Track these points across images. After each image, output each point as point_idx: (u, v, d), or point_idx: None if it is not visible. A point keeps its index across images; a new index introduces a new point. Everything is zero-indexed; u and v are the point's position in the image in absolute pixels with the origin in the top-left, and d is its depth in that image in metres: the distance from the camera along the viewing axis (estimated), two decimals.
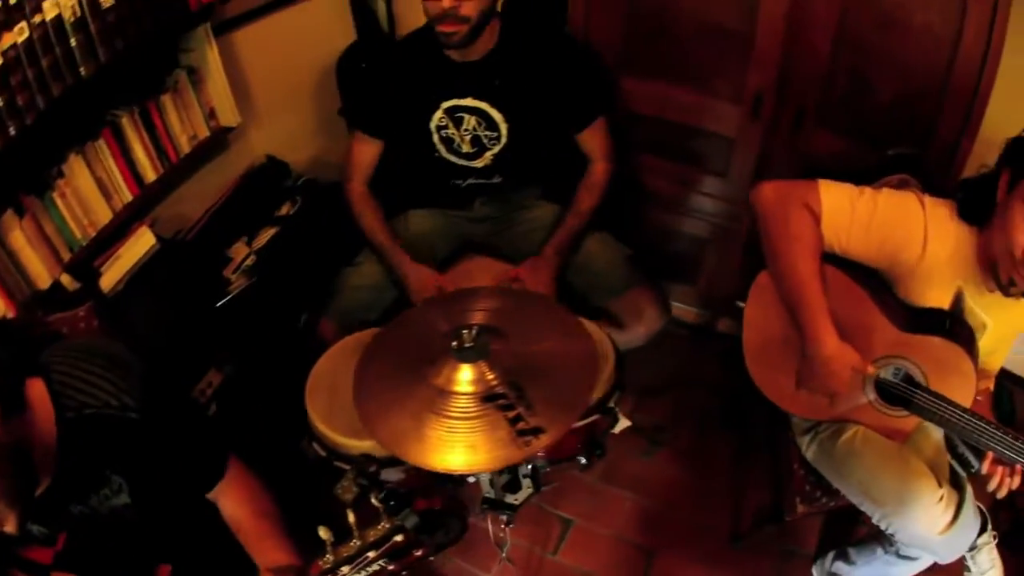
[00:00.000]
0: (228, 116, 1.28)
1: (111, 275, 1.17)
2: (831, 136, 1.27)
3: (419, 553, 0.65)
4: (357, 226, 1.20)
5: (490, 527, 1.06)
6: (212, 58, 1.24)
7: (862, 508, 1.08)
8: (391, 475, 0.86)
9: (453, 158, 1.18)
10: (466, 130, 1.14)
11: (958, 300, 0.97)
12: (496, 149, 1.16)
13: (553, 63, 1.13)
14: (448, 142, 1.17)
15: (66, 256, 1.14)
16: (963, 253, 0.93)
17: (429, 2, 0.99)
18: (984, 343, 1.00)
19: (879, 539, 1.20)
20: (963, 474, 1.50)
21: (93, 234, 1.18)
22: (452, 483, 1.07)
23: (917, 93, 1.28)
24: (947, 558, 1.08)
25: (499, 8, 1.11)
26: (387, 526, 0.62)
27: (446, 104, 1.12)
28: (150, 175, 1.24)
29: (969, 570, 1.33)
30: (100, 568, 0.76)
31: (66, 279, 1.14)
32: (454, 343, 0.64)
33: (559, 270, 1.17)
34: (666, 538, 1.35)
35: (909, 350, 0.97)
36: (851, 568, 1.31)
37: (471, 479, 1.01)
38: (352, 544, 0.62)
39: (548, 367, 0.64)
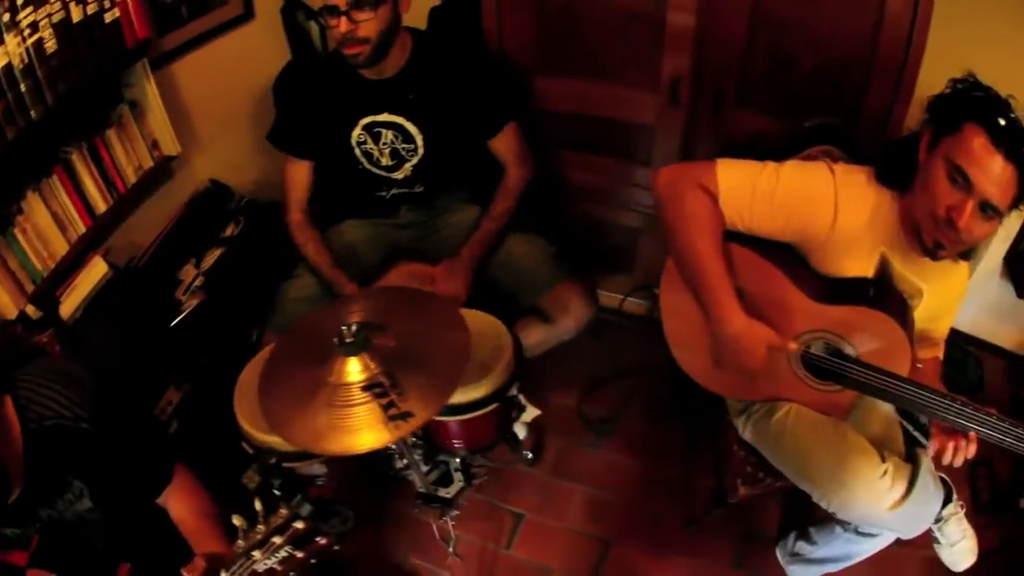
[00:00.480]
0: (169, 145, 1.47)
1: (69, 303, 1.37)
2: (755, 115, 1.39)
3: (323, 542, 0.79)
4: (298, 253, 1.37)
5: (433, 523, 1.21)
6: (151, 91, 1.43)
7: (802, 488, 1.14)
8: (315, 469, 1.02)
9: (375, 170, 1.36)
10: (384, 144, 1.31)
11: (883, 267, 1.02)
12: (414, 160, 1.34)
13: (461, 74, 1.29)
14: (368, 156, 1.34)
15: (29, 288, 1.34)
16: (883, 219, 0.98)
17: (331, 28, 1.14)
18: (922, 310, 1.06)
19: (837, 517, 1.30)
20: (925, 444, 1.57)
21: (52, 265, 1.37)
22: (383, 478, 1.22)
23: (843, 63, 1.38)
24: (908, 533, 1.11)
25: (422, 24, 1.28)
26: (285, 513, 0.76)
27: (364, 121, 1.30)
28: (101, 206, 1.43)
29: (939, 542, 1.41)
30: (70, 567, 0.93)
31: (30, 309, 1.33)
32: (336, 339, 0.79)
33: (475, 271, 1.32)
34: (620, 527, 1.49)
35: (833, 323, 1.02)
36: (813, 548, 1.39)
37: (411, 477, 1.15)
38: (259, 530, 0.77)
39: (422, 357, 0.79)
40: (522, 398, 1.04)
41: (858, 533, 1.24)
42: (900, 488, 1.04)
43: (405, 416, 0.73)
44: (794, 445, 1.13)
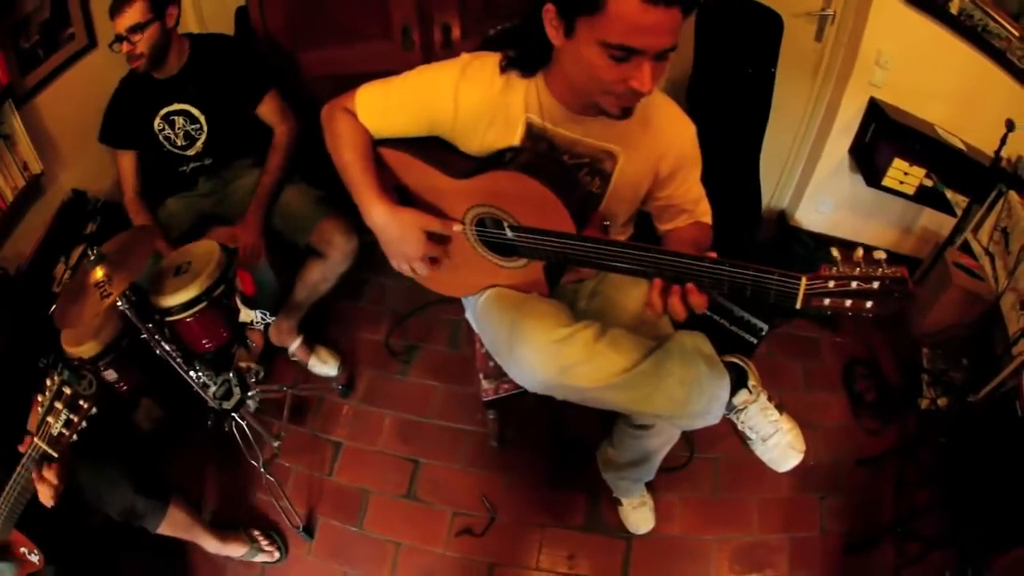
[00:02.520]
0: (34, 165, 2.47)
1: None
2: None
3: (86, 405, 1.59)
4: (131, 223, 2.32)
5: (248, 456, 2.00)
6: (17, 125, 2.44)
7: (505, 369, 1.54)
8: (110, 376, 1.87)
9: (175, 151, 2.27)
10: (179, 128, 2.22)
11: (537, 134, 1.41)
12: (202, 138, 2.24)
13: (226, 62, 2.19)
14: (168, 140, 2.25)
15: None
16: (521, 91, 1.37)
17: (119, 52, 2.07)
18: (632, 172, 1.44)
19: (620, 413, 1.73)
20: (752, 341, 2.03)
21: None
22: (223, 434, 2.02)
23: None
24: (677, 419, 1.46)
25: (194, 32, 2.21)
26: (58, 379, 1.58)
27: (162, 112, 2.21)
28: None
29: (749, 439, 1.81)
30: None
31: None
32: (87, 259, 1.64)
33: (264, 219, 2.16)
34: (428, 446, 2.19)
35: (479, 194, 1.38)
36: (617, 452, 1.95)
37: (210, 392, 1.95)
38: (47, 397, 1.60)
39: (127, 263, 1.62)
40: (237, 301, 1.83)
41: (634, 426, 1.76)
42: (618, 361, 1.38)
43: (108, 295, 1.56)
44: (489, 324, 1.58)
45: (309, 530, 2.12)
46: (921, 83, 2.33)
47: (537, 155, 1.41)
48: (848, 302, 1.05)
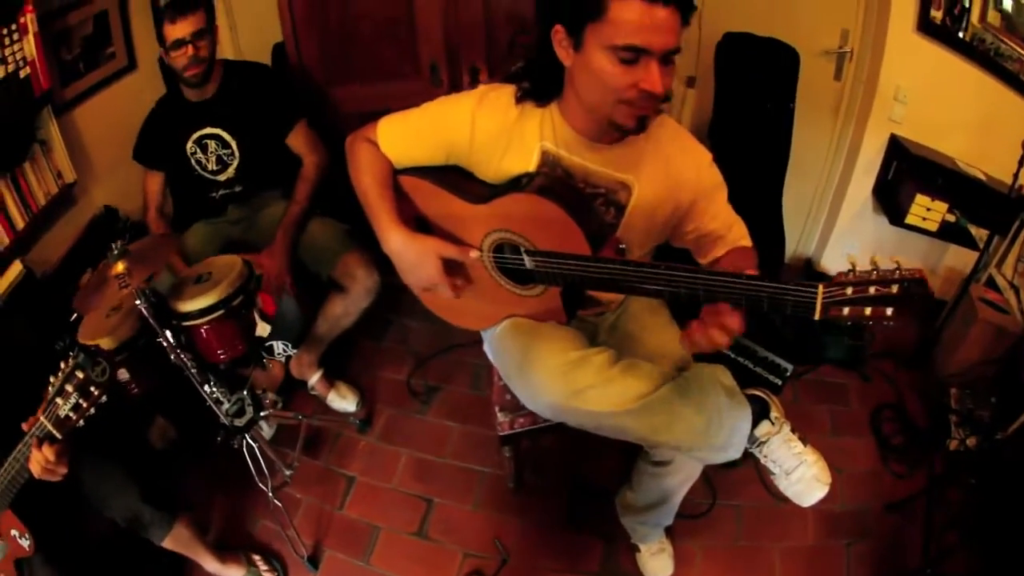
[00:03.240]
0: (68, 174, 2.47)
1: None
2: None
3: (96, 392, 1.52)
4: None
5: (257, 478, 1.92)
6: (54, 132, 2.44)
7: (517, 394, 1.51)
8: (123, 375, 1.81)
9: (206, 175, 2.27)
10: (211, 152, 2.23)
11: (551, 162, 1.42)
12: (234, 163, 2.25)
13: (258, 88, 2.21)
14: (200, 164, 2.26)
15: None
16: (536, 119, 1.40)
17: (178, 57, 2.07)
18: (647, 204, 1.43)
19: (640, 450, 1.71)
20: (777, 383, 1.95)
21: None
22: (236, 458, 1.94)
23: None
24: (698, 451, 1.43)
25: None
26: (72, 363, 1.52)
27: (194, 136, 2.22)
28: (20, 223, 2.42)
29: (772, 472, 1.67)
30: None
31: None
32: (108, 254, 1.62)
33: (290, 247, 2.16)
34: (443, 486, 2.11)
35: (496, 219, 1.39)
36: (635, 494, 1.88)
37: (223, 408, 1.89)
38: (60, 378, 1.53)
39: (147, 260, 1.61)
40: (256, 314, 1.78)
41: (653, 463, 1.70)
42: (634, 386, 1.37)
43: (128, 285, 1.55)
44: (502, 351, 1.56)
45: (314, 561, 2.02)
46: (939, 115, 2.29)
47: (552, 179, 1.42)
48: (868, 310, 1.02)
